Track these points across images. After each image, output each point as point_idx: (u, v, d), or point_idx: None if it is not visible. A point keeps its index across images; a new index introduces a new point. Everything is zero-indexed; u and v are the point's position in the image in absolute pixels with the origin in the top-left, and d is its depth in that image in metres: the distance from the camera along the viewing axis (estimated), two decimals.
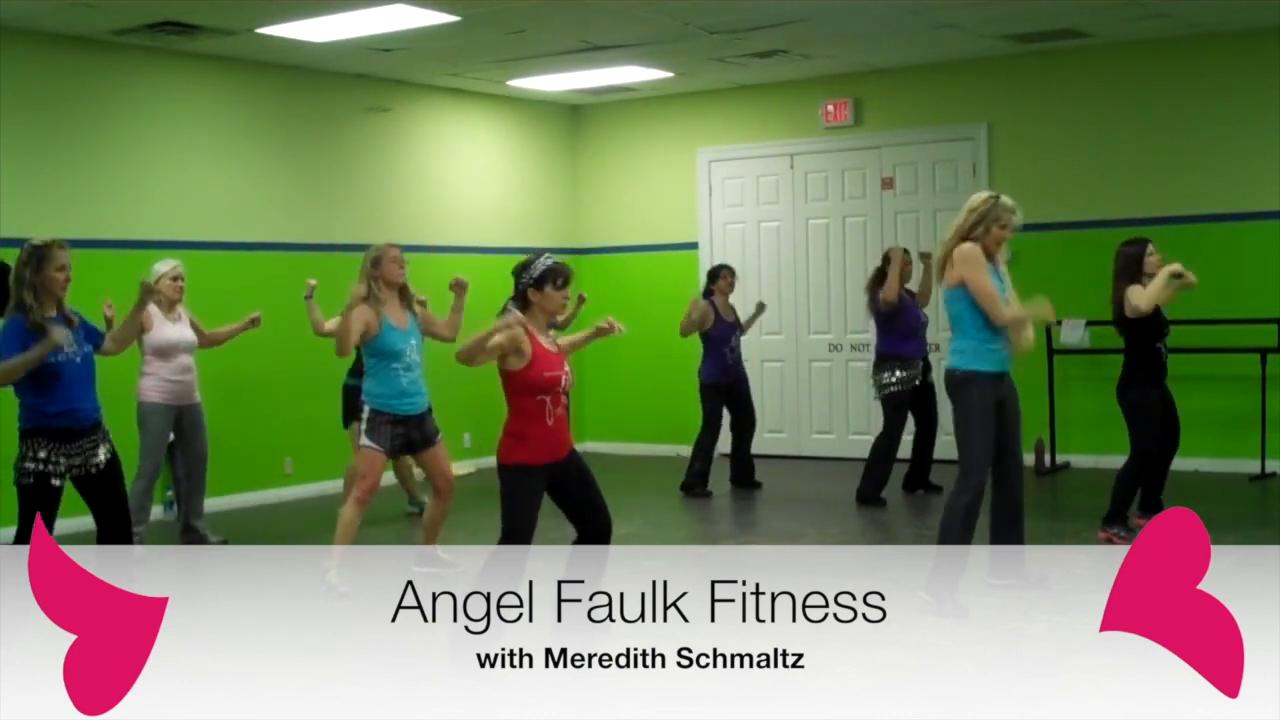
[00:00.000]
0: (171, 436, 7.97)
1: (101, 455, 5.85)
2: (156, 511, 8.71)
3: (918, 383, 9.00)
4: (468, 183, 11.56)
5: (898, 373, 8.93)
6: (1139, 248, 7.49)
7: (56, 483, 5.72)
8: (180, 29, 8.67)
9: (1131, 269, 7.44)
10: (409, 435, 6.80)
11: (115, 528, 5.89)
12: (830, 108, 11.29)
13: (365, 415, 6.75)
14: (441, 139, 11.34)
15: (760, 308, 10.12)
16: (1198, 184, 9.95)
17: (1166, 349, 7.55)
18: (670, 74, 10.91)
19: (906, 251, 9.13)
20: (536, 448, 5.36)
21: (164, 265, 7.94)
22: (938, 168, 10.96)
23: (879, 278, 9.05)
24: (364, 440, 6.73)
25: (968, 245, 5.96)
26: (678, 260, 11.99)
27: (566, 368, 5.46)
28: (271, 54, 9.57)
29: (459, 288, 7.04)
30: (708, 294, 9.73)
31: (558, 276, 5.39)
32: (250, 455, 9.68)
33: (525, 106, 11.96)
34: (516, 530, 5.33)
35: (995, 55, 10.45)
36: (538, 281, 5.40)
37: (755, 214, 11.80)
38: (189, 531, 8.03)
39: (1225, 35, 9.73)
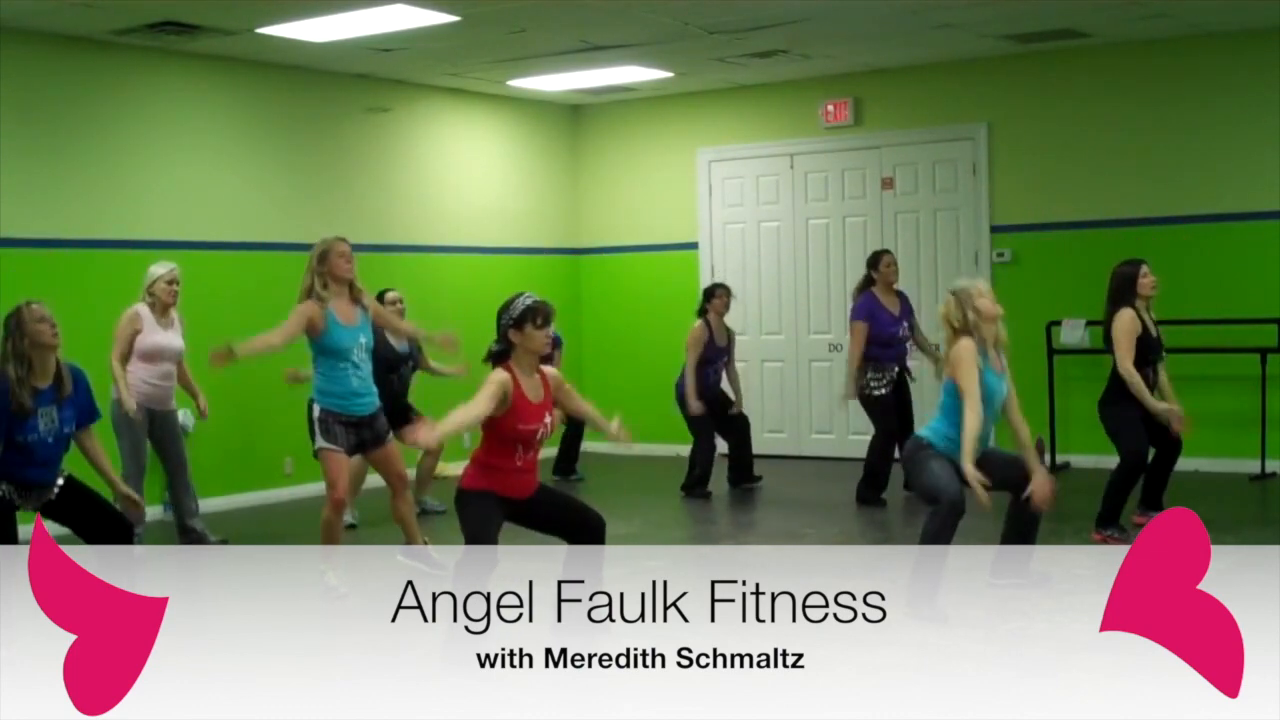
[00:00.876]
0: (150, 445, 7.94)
1: (50, 494, 5.69)
2: (156, 511, 8.71)
3: (893, 385, 8.97)
4: (468, 183, 11.55)
5: (869, 373, 8.91)
6: (1133, 269, 7.48)
7: (9, 497, 5.56)
8: (180, 29, 8.67)
9: (1124, 291, 7.43)
10: (360, 435, 6.70)
11: (108, 530, 5.73)
12: (830, 108, 11.29)
13: (316, 416, 6.62)
14: (441, 139, 11.34)
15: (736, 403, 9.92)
16: (1198, 184, 9.95)
17: (1156, 372, 7.53)
18: (670, 74, 10.91)
19: (887, 253, 9.16)
20: (498, 480, 5.38)
21: (160, 268, 7.91)
22: (938, 168, 10.96)
23: (866, 283, 9.06)
24: (320, 443, 6.61)
25: (960, 344, 5.95)
26: (678, 260, 12.00)
27: (547, 419, 5.43)
28: (271, 54, 9.57)
29: (449, 345, 7.18)
30: (702, 312, 9.70)
31: (537, 315, 5.36)
32: (250, 455, 9.68)
33: (525, 106, 11.96)
34: (477, 536, 5.30)
35: (995, 55, 10.44)
36: (517, 322, 5.37)
37: (755, 214, 11.80)
38: (187, 532, 8.02)
39: (1225, 35, 9.73)
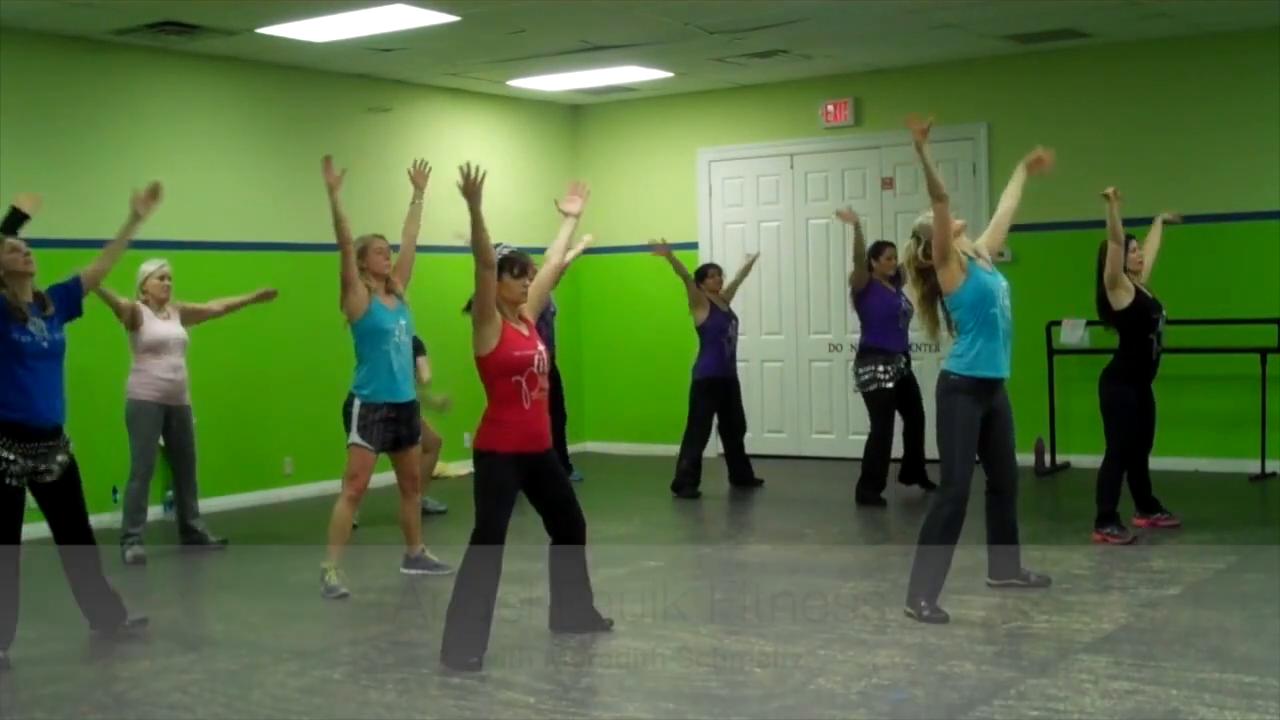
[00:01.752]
0: (161, 441, 7.93)
1: (58, 461, 5.59)
2: (156, 511, 8.71)
3: (900, 378, 8.98)
4: None
5: (879, 367, 8.92)
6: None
7: (11, 483, 5.42)
8: (180, 29, 8.68)
9: None
10: (398, 431, 6.76)
11: (73, 533, 5.66)
12: (830, 108, 11.29)
13: (357, 410, 6.70)
14: (441, 139, 11.34)
15: (749, 261, 10.08)
16: (1198, 184, 9.95)
17: (1160, 342, 7.46)
18: (670, 74, 10.92)
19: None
20: (512, 434, 5.33)
21: (151, 265, 7.93)
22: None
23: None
24: (355, 438, 6.68)
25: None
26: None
27: (540, 347, 5.45)
28: (271, 54, 9.57)
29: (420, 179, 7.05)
30: None
31: (514, 265, 5.41)
32: (250, 455, 9.67)
33: (525, 106, 11.96)
34: (488, 523, 5.29)
35: (995, 55, 10.45)
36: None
37: (755, 214, 11.80)
38: (188, 532, 8.02)
39: (1225, 35, 9.74)
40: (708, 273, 9.81)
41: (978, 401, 5.91)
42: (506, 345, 5.33)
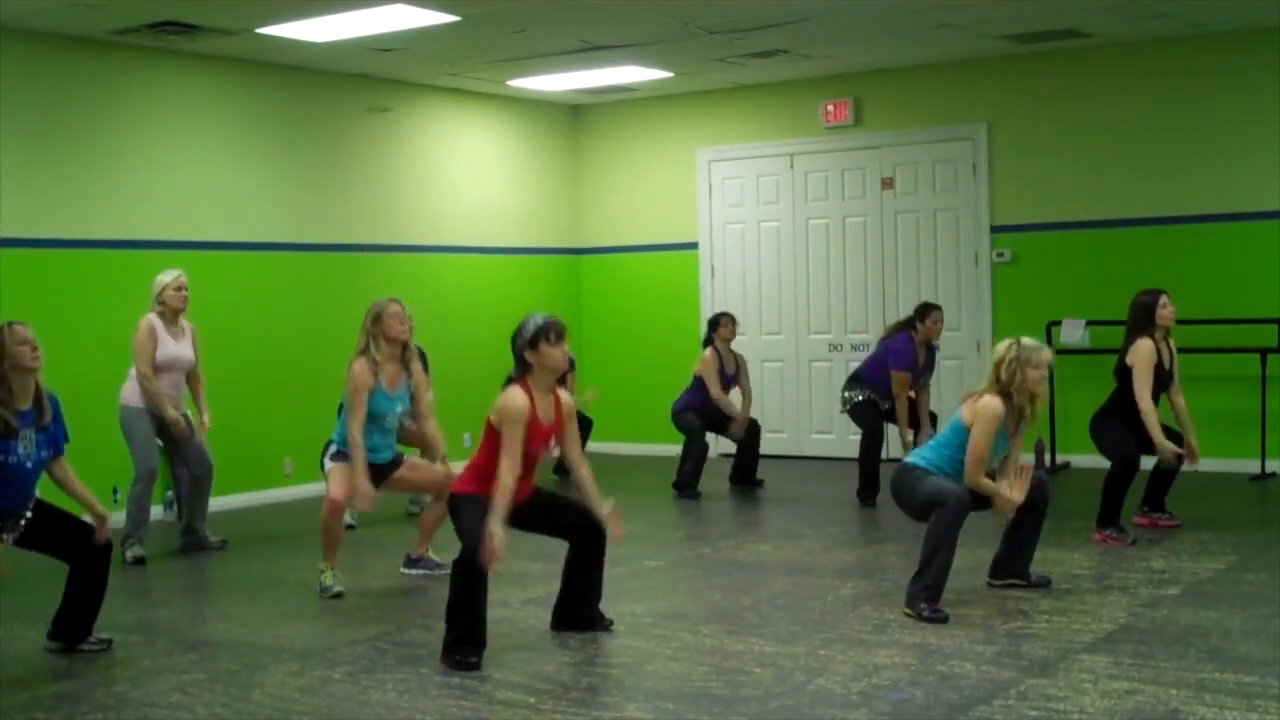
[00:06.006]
0: (160, 444, 7.92)
1: (22, 524, 5.45)
2: (156, 512, 8.70)
3: (885, 407, 9.07)
4: (468, 183, 11.55)
5: (866, 394, 9.06)
6: (1152, 299, 7.45)
7: None
8: (180, 29, 8.67)
9: (1143, 320, 7.42)
10: (379, 475, 6.62)
11: (86, 546, 5.52)
12: (830, 108, 11.29)
13: (332, 451, 6.66)
14: (441, 139, 11.34)
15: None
16: (1198, 184, 9.96)
17: (1163, 399, 7.54)
18: (670, 74, 10.92)
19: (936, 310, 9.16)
20: (493, 487, 5.28)
21: (168, 275, 7.82)
22: (938, 168, 10.96)
23: (906, 325, 9.06)
24: (330, 464, 6.62)
25: (990, 402, 5.89)
26: (678, 260, 12.00)
27: (551, 443, 5.44)
28: (272, 54, 9.57)
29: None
30: (708, 342, 9.75)
31: (550, 332, 5.32)
32: (250, 455, 9.67)
33: (525, 106, 11.96)
34: (471, 532, 5.24)
35: (995, 55, 10.45)
36: (532, 342, 5.32)
37: (755, 214, 11.80)
38: (188, 532, 8.01)
39: (1225, 35, 9.74)
40: (720, 321, 9.76)
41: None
42: (525, 442, 5.28)
